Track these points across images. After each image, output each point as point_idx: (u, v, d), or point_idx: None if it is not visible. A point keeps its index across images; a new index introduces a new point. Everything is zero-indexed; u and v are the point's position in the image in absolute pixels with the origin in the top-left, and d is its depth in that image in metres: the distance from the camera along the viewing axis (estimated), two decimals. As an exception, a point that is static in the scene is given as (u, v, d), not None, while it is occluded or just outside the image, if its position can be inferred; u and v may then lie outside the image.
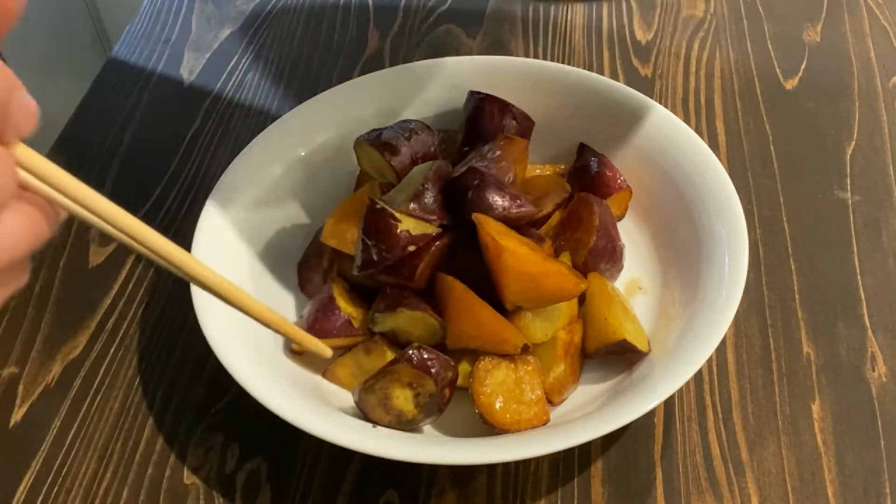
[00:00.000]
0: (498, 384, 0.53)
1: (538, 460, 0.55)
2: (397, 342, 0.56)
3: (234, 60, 0.85)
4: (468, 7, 0.89)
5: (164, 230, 0.69)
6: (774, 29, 0.85)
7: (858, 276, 0.64)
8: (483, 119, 0.65)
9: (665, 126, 0.65)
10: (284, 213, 0.65)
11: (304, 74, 0.83)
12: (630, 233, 0.64)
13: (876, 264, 0.65)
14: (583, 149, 0.67)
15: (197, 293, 0.56)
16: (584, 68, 0.78)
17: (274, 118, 0.68)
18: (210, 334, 0.54)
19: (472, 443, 0.52)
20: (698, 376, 0.59)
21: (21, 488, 0.56)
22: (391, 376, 0.52)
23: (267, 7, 0.91)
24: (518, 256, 0.53)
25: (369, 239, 0.55)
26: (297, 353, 0.58)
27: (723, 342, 0.60)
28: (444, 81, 0.70)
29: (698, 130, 0.74)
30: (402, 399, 0.52)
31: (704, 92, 0.78)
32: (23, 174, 0.32)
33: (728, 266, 0.56)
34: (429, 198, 0.56)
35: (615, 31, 0.86)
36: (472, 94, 0.66)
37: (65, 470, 0.56)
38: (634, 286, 0.62)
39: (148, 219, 0.71)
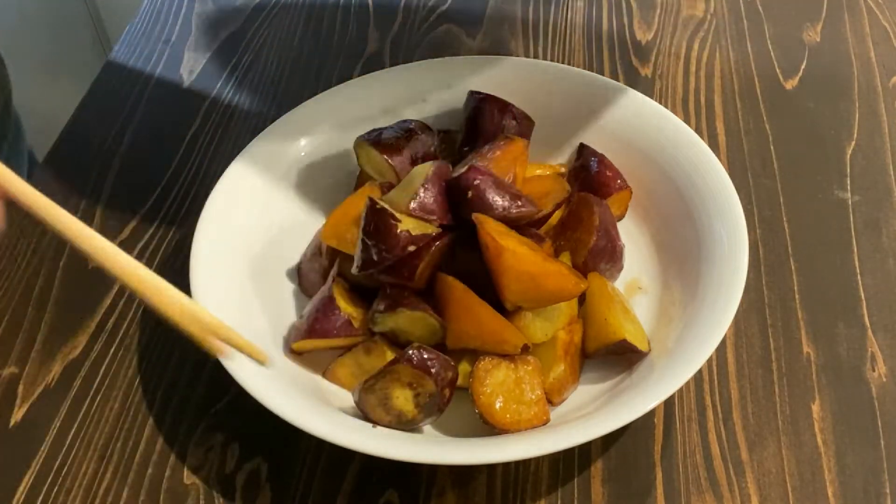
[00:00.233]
0: (498, 384, 0.53)
1: (538, 460, 0.55)
2: (397, 342, 0.56)
3: (234, 60, 0.85)
4: (468, 7, 0.89)
5: (165, 230, 0.70)
6: (774, 29, 0.85)
7: (858, 276, 0.64)
8: (483, 119, 0.65)
9: (665, 126, 0.65)
10: (284, 213, 0.65)
11: (304, 74, 0.83)
12: (630, 233, 0.64)
13: (876, 264, 0.65)
14: (583, 149, 0.67)
15: (198, 293, 0.56)
16: (584, 68, 0.79)
17: (274, 118, 0.68)
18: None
19: (472, 443, 0.52)
20: (698, 376, 0.59)
21: (21, 488, 0.56)
22: (391, 376, 0.52)
23: (267, 7, 0.91)
24: (518, 256, 0.53)
25: (369, 239, 0.55)
26: (297, 353, 0.58)
27: (723, 342, 0.60)
28: (444, 81, 0.70)
29: (698, 130, 0.74)
30: (402, 399, 0.52)
31: (704, 92, 0.78)
32: None
33: (728, 266, 0.56)
34: (429, 198, 0.56)
35: (615, 31, 0.86)
36: (472, 94, 0.66)
37: (65, 470, 0.56)
38: (634, 286, 0.62)
39: (148, 219, 0.72)
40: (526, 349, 0.54)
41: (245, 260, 0.61)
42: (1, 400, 0.60)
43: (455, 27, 0.87)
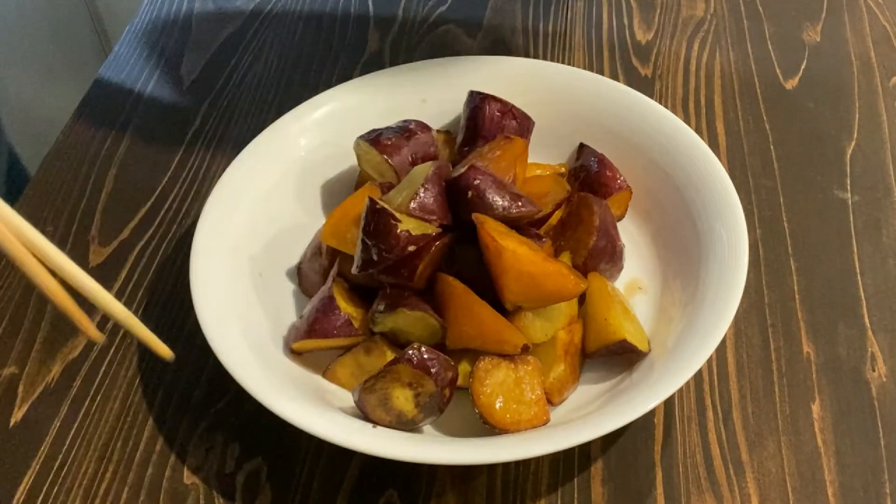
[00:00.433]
0: (498, 384, 0.53)
1: (538, 460, 0.55)
2: (397, 342, 0.56)
3: (234, 60, 0.85)
4: (468, 7, 0.89)
5: (165, 230, 0.70)
6: (774, 29, 0.85)
7: (858, 276, 0.64)
8: (483, 119, 0.65)
9: (665, 126, 0.65)
10: (284, 213, 0.65)
11: (304, 74, 0.83)
12: (630, 233, 0.64)
13: (876, 264, 0.65)
14: (583, 149, 0.67)
15: (198, 293, 0.56)
16: (584, 68, 0.79)
17: (274, 118, 0.68)
18: (210, 334, 0.54)
19: (472, 443, 0.52)
20: (698, 376, 0.59)
21: (21, 488, 0.56)
22: (391, 376, 0.52)
23: (267, 7, 0.91)
24: (518, 256, 0.53)
25: (369, 239, 0.55)
26: (297, 353, 0.58)
27: (723, 342, 0.60)
28: (444, 81, 0.70)
29: (698, 130, 0.74)
30: (402, 399, 0.52)
31: (704, 92, 0.78)
32: None
33: (728, 266, 0.56)
34: (429, 198, 0.56)
35: (615, 31, 0.86)
36: (472, 94, 0.66)
37: (65, 470, 0.56)
38: (634, 286, 0.62)
39: (148, 219, 0.72)
40: (526, 349, 0.54)
41: (245, 260, 0.61)
42: (1, 400, 0.60)
43: (455, 27, 0.87)
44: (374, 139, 0.63)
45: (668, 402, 0.57)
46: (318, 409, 0.53)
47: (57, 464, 0.57)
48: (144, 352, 0.62)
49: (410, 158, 0.63)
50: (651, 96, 0.70)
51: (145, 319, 0.64)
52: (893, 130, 0.74)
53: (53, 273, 0.44)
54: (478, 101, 0.66)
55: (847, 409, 0.57)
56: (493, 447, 0.51)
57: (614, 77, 0.80)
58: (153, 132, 0.78)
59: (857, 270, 0.65)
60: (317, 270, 0.62)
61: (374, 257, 0.55)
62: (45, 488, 0.56)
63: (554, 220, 0.62)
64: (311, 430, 0.50)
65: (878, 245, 0.66)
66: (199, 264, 0.58)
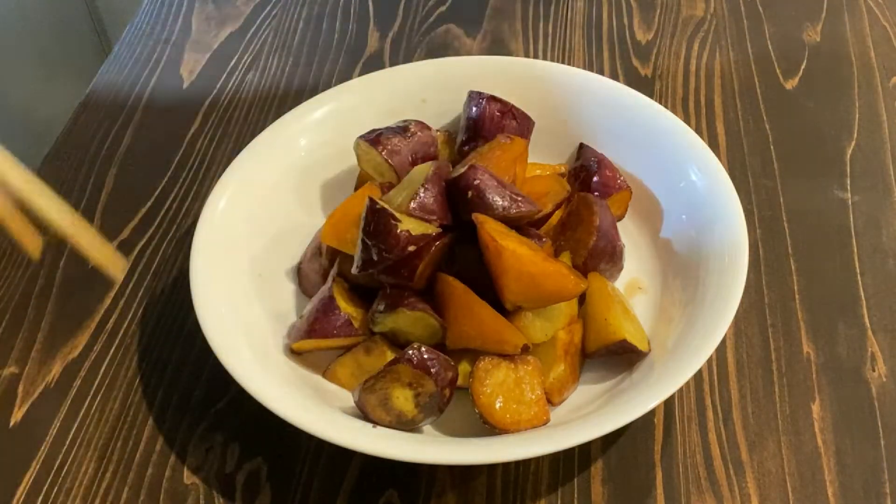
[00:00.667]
0: (498, 384, 0.53)
1: (538, 460, 0.55)
2: (397, 342, 0.56)
3: (234, 60, 0.85)
4: (468, 7, 0.89)
5: (165, 230, 0.70)
6: (774, 29, 0.85)
7: (858, 276, 0.64)
8: (483, 119, 0.65)
9: (665, 126, 0.65)
10: (284, 213, 0.65)
11: (304, 74, 0.83)
12: (630, 233, 0.64)
13: (876, 264, 0.65)
14: (583, 149, 0.67)
15: (198, 293, 0.56)
16: (584, 68, 0.79)
17: (274, 118, 0.68)
18: (210, 334, 0.54)
19: (472, 443, 0.52)
20: (698, 376, 0.59)
21: (21, 488, 0.56)
22: (391, 376, 0.52)
23: (267, 7, 0.91)
24: (518, 256, 0.53)
25: (369, 239, 0.55)
26: (297, 353, 0.58)
27: (723, 342, 0.60)
28: (444, 81, 0.70)
29: (698, 130, 0.74)
30: (402, 399, 0.52)
31: (704, 92, 0.78)
32: None
33: (728, 266, 0.56)
34: (429, 198, 0.56)
35: (615, 31, 0.86)
36: (472, 94, 0.66)
37: (65, 470, 0.56)
38: (634, 286, 0.62)
39: (148, 219, 0.72)
40: (526, 349, 0.54)
41: (245, 260, 0.61)
42: (1, 400, 0.60)
43: (455, 27, 0.87)
44: (374, 139, 0.63)
45: (668, 402, 0.57)
46: (318, 409, 0.53)
47: (57, 464, 0.57)
48: (144, 352, 0.62)
49: (410, 158, 0.63)
50: (651, 96, 0.70)
51: (145, 319, 0.64)
52: (893, 130, 0.74)
53: None
54: (478, 101, 0.66)
55: (847, 409, 0.57)
56: (493, 447, 0.51)
57: (614, 77, 0.80)
58: (153, 132, 0.78)
59: (857, 270, 0.65)
60: (317, 270, 0.62)
61: (374, 257, 0.55)
62: (45, 488, 0.56)
63: (554, 220, 0.62)
64: (311, 430, 0.50)
65: (878, 245, 0.66)
66: (199, 264, 0.58)
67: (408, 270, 0.55)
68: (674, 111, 0.70)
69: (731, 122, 0.76)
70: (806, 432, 0.56)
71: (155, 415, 0.59)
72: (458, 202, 0.56)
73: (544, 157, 0.68)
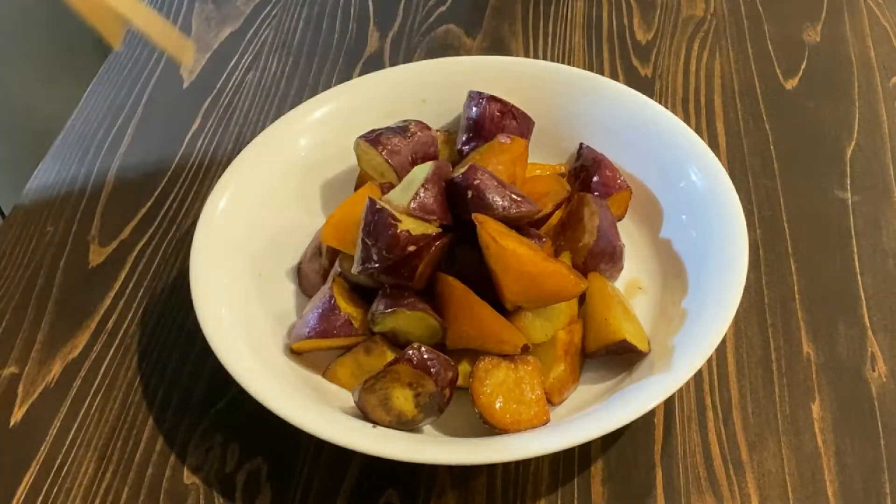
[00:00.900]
0: (498, 384, 0.53)
1: (538, 460, 0.55)
2: (397, 342, 0.56)
3: (234, 60, 0.85)
4: (468, 7, 0.89)
5: (165, 230, 0.70)
6: (774, 29, 0.85)
7: (858, 276, 0.64)
8: (483, 119, 0.65)
9: (665, 126, 0.65)
10: (284, 213, 0.65)
11: (304, 74, 0.83)
12: (630, 233, 0.64)
13: (876, 264, 0.65)
14: (583, 149, 0.67)
15: (198, 293, 0.56)
16: (584, 68, 0.79)
17: (274, 118, 0.68)
18: (210, 334, 0.54)
19: (472, 443, 0.52)
20: (698, 376, 0.59)
21: (21, 488, 0.56)
22: (391, 376, 0.52)
23: (267, 7, 0.91)
24: (518, 256, 0.53)
25: (369, 239, 0.55)
26: (297, 353, 0.58)
27: (723, 342, 0.60)
28: (444, 81, 0.70)
29: (698, 130, 0.74)
30: (402, 399, 0.52)
31: (704, 92, 0.78)
32: None
33: (728, 266, 0.56)
34: (429, 198, 0.56)
35: (615, 31, 0.85)
36: (472, 94, 0.66)
37: (65, 470, 0.56)
38: (634, 286, 0.62)
39: (148, 219, 0.72)
40: (526, 349, 0.54)
41: (245, 260, 0.61)
42: (1, 400, 0.60)
43: (455, 27, 0.87)
44: (374, 139, 0.63)
45: (668, 402, 0.57)
46: (318, 409, 0.53)
47: (57, 464, 0.57)
48: (144, 352, 0.62)
49: (410, 158, 0.63)
50: (651, 96, 0.70)
51: (145, 319, 0.64)
52: (893, 130, 0.74)
53: None
54: (478, 101, 0.66)
55: (847, 409, 0.57)
56: (493, 447, 0.51)
57: (614, 77, 0.80)
58: (153, 132, 0.78)
59: (857, 270, 0.65)
60: (317, 270, 0.62)
61: (374, 257, 0.55)
62: (45, 488, 0.56)
63: (554, 220, 0.62)
64: (311, 430, 0.50)
65: (878, 245, 0.66)
66: (199, 264, 0.58)
67: (408, 270, 0.55)
68: (674, 111, 0.70)
69: (731, 122, 0.76)
70: (806, 432, 0.56)
71: (155, 415, 0.59)
72: (458, 202, 0.56)
73: (544, 157, 0.68)
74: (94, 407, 0.59)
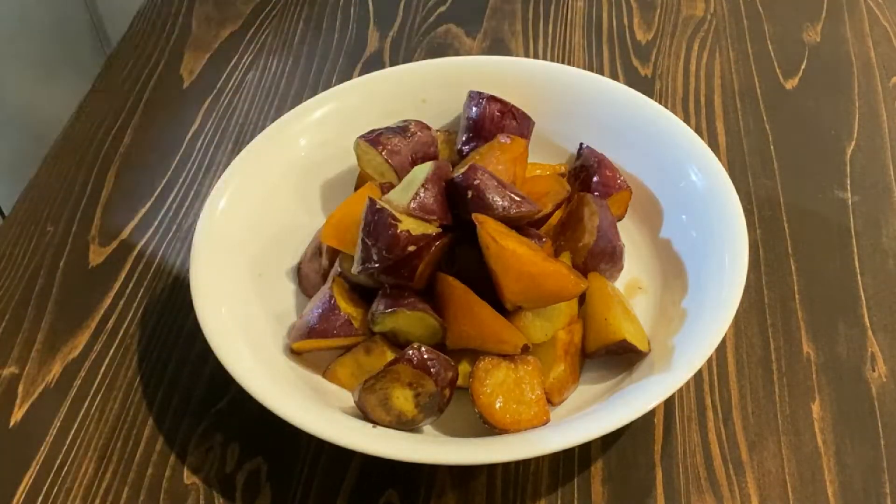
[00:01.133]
0: (498, 384, 0.53)
1: (538, 460, 0.55)
2: (397, 342, 0.56)
3: (234, 60, 0.85)
4: (468, 7, 0.89)
5: (165, 230, 0.70)
6: (774, 29, 0.85)
7: (858, 276, 0.64)
8: (483, 119, 0.65)
9: (665, 126, 0.65)
10: (284, 213, 0.65)
11: (303, 74, 0.83)
12: (630, 233, 0.64)
13: (876, 264, 0.65)
14: (583, 149, 0.67)
15: (198, 293, 0.56)
16: (584, 68, 0.79)
17: (274, 118, 0.68)
18: (210, 334, 0.54)
19: (472, 443, 0.52)
20: (698, 376, 0.59)
21: (21, 488, 0.56)
22: (391, 376, 0.52)
23: (267, 7, 0.91)
24: (518, 256, 0.53)
25: (369, 239, 0.55)
26: (297, 353, 0.58)
27: (723, 342, 0.60)
28: (444, 81, 0.70)
29: (698, 130, 0.74)
30: (402, 399, 0.52)
31: (704, 92, 0.79)
32: None
33: (728, 266, 0.56)
34: (429, 198, 0.56)
35: (615, 31, 0.86)
36: (472, 94, 0.66)
37: (65, 470, 0.56)
38: (634, 286, 0.62)
39: (148, 219, 0.72)
40: (526, 349, 0.54)
41: (245, 260, 0.61)
42: (1, 400, 0.60)
43: (455, 27, 0.87)
44: (374, 139, 0.63)
45: (668, 402, 0.57)
46: (318, 409, 0.53)
47: (57, 464, 0.57)
48: (144, 352, 0.62)
49: (410, 158, 0.63)
50: (651, 96, 0.70)
51: (145, 319, 0.64)
52: (893, 130, 0.74)
53: None
54: (478, 101, 0.66)
55: (847, 409, 0.57)
56: (493, 447, 0.51)
57: (614, 77, 0.80)
58: (153, 132, 0.78)
59: (857, 270, 0.65)
60: (317, 270, 0.62)
61: (374, 257, 0.55)
62: (45, 488, 0.56)
63: (554, 220, 0.62)
64: (311, 430, 0.50)
65: (878, 245, 0.66)
66: (200, 264, 0.58)
67: (408, 270, 0.55)
68: (674, 111, 0.70)
69: (731, 122, 0.76)
70: (806, 432, 0.56)
71: (155, 415, 0.59)
72: (458, 202, 0.56)
73: (544, 157, 0.68)
74: (94, 407, 0.59)
